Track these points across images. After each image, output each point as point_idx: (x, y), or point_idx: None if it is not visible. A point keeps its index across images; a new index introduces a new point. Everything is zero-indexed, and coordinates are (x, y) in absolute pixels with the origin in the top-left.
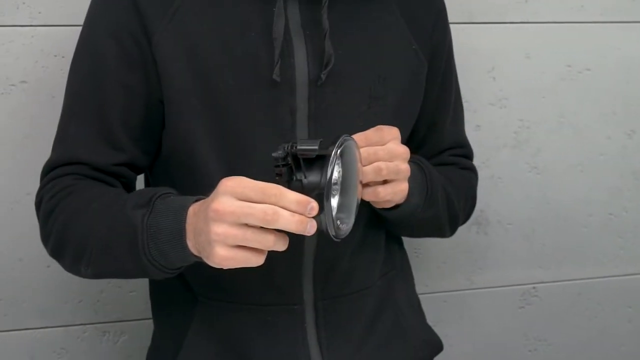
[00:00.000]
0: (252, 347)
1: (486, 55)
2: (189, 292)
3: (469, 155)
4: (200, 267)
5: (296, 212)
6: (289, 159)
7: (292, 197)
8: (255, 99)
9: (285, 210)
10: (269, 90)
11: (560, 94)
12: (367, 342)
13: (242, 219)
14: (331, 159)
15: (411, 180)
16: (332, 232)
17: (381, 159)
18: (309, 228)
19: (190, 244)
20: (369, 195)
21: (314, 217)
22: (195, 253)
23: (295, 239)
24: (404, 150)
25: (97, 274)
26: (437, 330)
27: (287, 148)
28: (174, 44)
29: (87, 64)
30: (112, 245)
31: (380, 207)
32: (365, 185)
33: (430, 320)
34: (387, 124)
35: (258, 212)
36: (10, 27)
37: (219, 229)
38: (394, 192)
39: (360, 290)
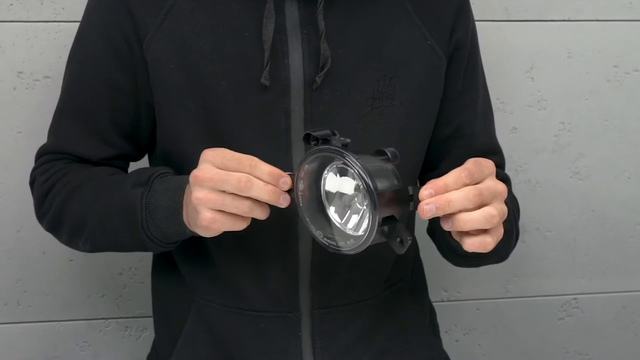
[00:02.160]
0: (244, 352)
1: (524, 54)
2: (187, 292)
3: (502, 164)
4: (198, 267)
5: (269, 183)
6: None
7: (265, 168)
8: (247, 101)
9: (259, 181)
10: (261, 93)
11: (605, 96)
12: (365, 354)
13: (219, 185)
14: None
15: None
16: (313, 234)
17: (486, 202)
18: (282, 200)
19: (185, 218)
20: (473, 246)
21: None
22: (188, 226)
23: (290, 245)
24: (504, 189)
25: (96, 248)
26: (469, 339)
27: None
28: (165, 45)
29: (79, 60)
30: (112, 222)
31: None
32: (466, 233)
33: (461, 328)
34: (394, 124)
35: (233, 179)
36: (35, 22)
37: (200, 194)
38: (498, 238)
39: (360, 301)
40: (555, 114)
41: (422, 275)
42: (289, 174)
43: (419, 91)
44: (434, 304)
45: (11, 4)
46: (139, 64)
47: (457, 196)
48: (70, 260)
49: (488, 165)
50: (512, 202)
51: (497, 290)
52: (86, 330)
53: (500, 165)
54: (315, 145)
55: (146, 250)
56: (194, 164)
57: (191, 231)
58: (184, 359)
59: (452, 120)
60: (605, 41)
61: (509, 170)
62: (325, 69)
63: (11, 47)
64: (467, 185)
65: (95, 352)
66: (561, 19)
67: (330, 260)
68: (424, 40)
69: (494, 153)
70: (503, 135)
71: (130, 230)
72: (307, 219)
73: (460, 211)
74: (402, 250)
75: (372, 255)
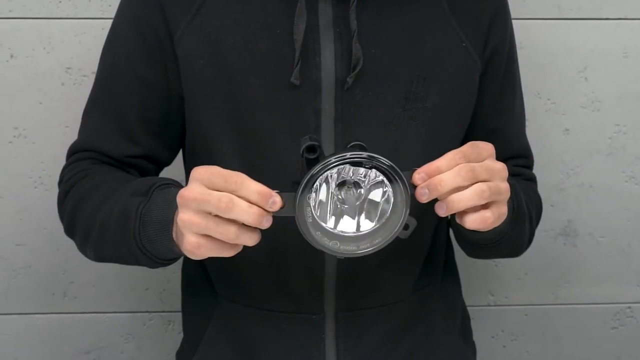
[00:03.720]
0: (267, 353)
1: (578, 53)
2: (212, 292)
3: (531, 165)
4: (222, 266)
5: (256, 203)
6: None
7: (254, 187)
8: (277, 99)
9: (243, 201)
10: (291, 91)
11: None
12: (389, 358)
13: (202, 206)
14: (304, 163)
15: None
16: (313, 244)
17: (480, 178)
18: (264, 222)
19: (174, 235)
20: (474, 222)
21: (297, 218)
22: (178, 244)
23: (313, 246)
24: (502, 167)
25: (98, 257)
26: (517, 345)
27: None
28: (196, 40)
29: (110, 55)
30: (109, 230)
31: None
32: (464, 212)
33: (509, 334)
34: (426, 126)
35: (214, 199)
36: (82, 19)
37: (185, 216)
38: (500, 216)
39: (387, 305)
40: (610, 115)
41: (455, 279)
42: (278, 192)
43: (452, 93)
44: (480, 308)
45: (60, 1)
46: (170, 59)
47: (448, 175)
48: None
49: (487, 147)
50: (529, 198)
51: (547, 297)
52: (130, 323)
53: (528, 166)
54: (309, 157)
55: (140, 264)
56: (220, 162)
57: (180, 250)
58: (207, 358)
59: (488, 125)
60: None
61: (560, 173)
62: (357, 70)
63: (60, 43)
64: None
65: (138, 345)
66: (617, 17)
67: (356, 263)
68: (459, 42)
69: (526, 156)
70: (555, 137)
71: (125, 240)
72: (318, 233)
73: (454, 190)
74: (406, 235)
75: (399, 258)
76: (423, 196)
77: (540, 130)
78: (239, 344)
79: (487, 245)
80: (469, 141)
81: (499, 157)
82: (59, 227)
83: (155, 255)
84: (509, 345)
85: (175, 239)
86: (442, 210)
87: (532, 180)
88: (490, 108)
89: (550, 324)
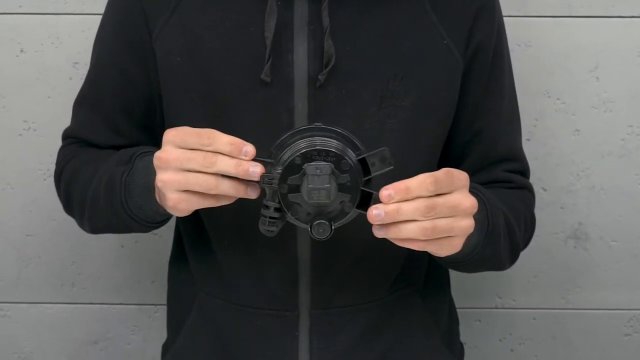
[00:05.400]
0: (241, 348)
1: (588, 52)
2: (193, 285)
3: (524, 171)
4: (202, 260)
5: (229, 154)
6: None
7: (225, 139)
8: (250, 96)
9: (225, 156)
10: (264, 88)
11: None
12: (363, 358)
13: (185, 164)
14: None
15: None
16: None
17: (439, 215)
18: (251, 172)
19: (157, 197)
20: (406, 244)
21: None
22: (163, 205)
23: (287, 241)
24: (471, 204)
25: (94, 228)
26: (525, 349)
27: None
28: (173, 38)
29: (97, 50)
30: (99, 201)
31: None
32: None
33: (517, 337)
34: (403, 124)
35: (198, 156)
36: (90, 15)
37: (164, 176)
38: (439, 247)
39: (362, 303)
40: (623, 116)
41: (442, 280)
42: (262, 160)
43: (431, 92)
44: (487, 310)
45: None
46: (150, 56)
47: (407, 208)
48: (122, 246)
49: (461, 178)
50: (514, 212)
51: (556, 301)
52: (137, 315)
53: (520, 171)
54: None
55: (132, 230)
56: None
57: (166, 210)
58: (184, 350)
59: (473, 126)
60: None
61: (570, 174)
62: (329, 67)
63: (67, 38)
64: (430, 192)
65: (145, 337)
66: (630, 15)
67: (330, 259)
68: (440, 40)
69: (515, 160)
70: (565, 137)
71: (114, 209)
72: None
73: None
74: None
75: (376, 257)
76: (377, 217)
77: (549, 130)
78: (215, 337)
79: (457, 264)
80: (454, 143)
81: (485, 160)
82: (67, 218)
83: (144, 220)
84: (517, 349)
85: (159, 200)
86: (380, 233)
87: (525, 188)
88: (475, 107)
89: (560, 328)
